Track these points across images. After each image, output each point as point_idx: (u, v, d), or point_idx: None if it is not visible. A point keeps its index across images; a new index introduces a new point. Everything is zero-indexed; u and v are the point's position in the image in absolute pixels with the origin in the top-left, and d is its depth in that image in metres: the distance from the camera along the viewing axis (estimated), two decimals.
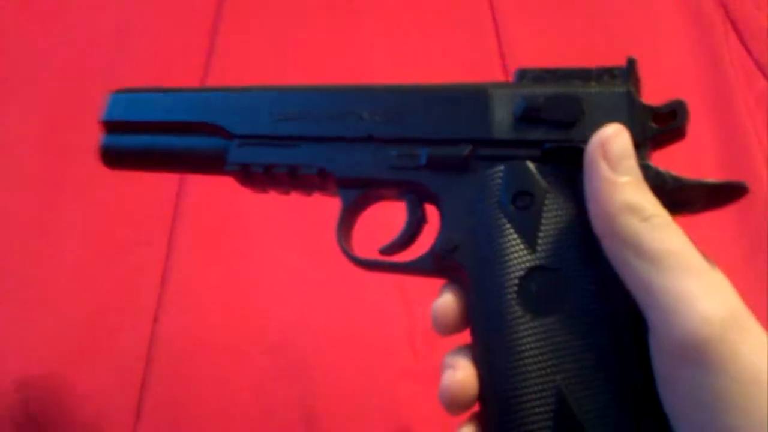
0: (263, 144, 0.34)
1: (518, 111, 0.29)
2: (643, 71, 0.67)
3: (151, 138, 0.37)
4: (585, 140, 0.27)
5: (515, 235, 0.28)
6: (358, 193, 0.33)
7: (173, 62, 0.62)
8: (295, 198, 0.55)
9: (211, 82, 0.61)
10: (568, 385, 0.25)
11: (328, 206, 0.54)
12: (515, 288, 0.27)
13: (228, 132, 0.35)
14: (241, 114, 0.35)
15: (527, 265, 0.27)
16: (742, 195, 0.27)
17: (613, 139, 0.26)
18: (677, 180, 0.27)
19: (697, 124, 0.63)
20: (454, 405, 0.27)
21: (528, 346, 0.26)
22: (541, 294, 0.26)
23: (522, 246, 0.27)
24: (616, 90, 0.29)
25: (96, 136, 0.57)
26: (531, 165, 0.29)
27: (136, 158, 0.38)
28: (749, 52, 0.65)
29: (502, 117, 0.30)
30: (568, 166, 0.28)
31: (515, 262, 0.27)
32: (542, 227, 0.28)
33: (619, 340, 0.25)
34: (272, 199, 0.56)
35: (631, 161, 0.25)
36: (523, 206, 0.28)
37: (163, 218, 0.53)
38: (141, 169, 0.38)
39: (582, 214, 0.27)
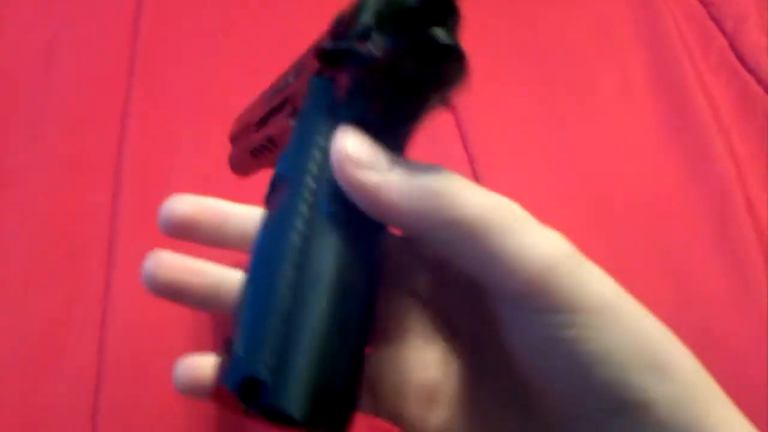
0: None
1: None
2: (572, 5, 0.66)
3: None
4: None
5: None
6: None
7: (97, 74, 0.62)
8: (240, 189, 0.55)
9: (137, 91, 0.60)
10: None
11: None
12: None
13: None
14: None
15: None
16: None
17: (352, 146, 0.22)
18: None
19: (628, 49, 0.63)
20: None
21: None
22: None
23: None
24: None
25: (25, 158, 0.57)
26: None
27: None
28: None
29: None
30: None
31: None
32: None
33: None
34: (215, 189, 0.56)
35: (378, 155, 0.22)
36: None
37: (99, 221, 0.52)
38: None
39: None
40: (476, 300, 0.25)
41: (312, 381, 0.20)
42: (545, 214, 0.30)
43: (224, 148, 0.57)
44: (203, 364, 0.26)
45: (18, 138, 0.57)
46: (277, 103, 0.33)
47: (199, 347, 0.48)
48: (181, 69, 0.61)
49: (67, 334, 0.48)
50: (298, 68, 0.31)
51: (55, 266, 0.51)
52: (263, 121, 0.36)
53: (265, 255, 0.23)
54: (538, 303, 0.20)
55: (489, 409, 0.26)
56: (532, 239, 0.21)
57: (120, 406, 0.45)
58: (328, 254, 0.22)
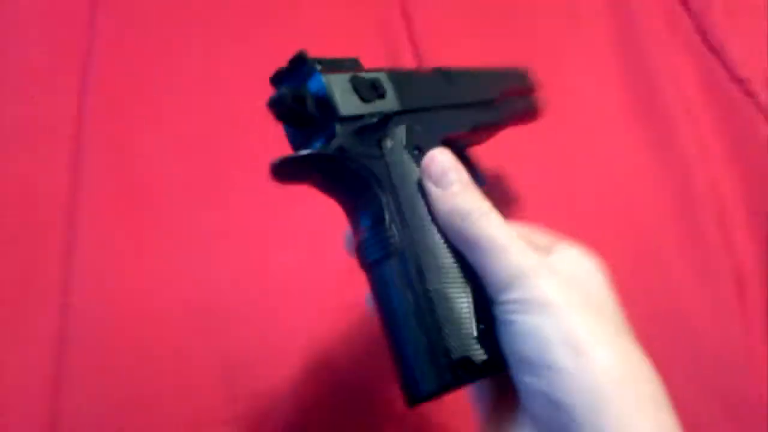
0: None
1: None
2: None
3: None
4: None
5: None
6: None
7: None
8: (205, 155, 0.54)
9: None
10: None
11: (238, 159, 0.53)
12: None
13: None
14: None
15: None
16: None
17: (432, 162, 0.32)
18: None
19: (595, 28, 0.64)
20: None
21: None
22: None
23: None
24: None
25: None
26: None
27: None
28: None
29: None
30: None
31: None
32: None
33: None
34: (180, 158, 0.54)
35: (451, 174, 0.32)
36: None
37: (59, 188, 0.50)
38: None
39: None
40: None
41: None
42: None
43: (193, 114, 0.56)
44: None
45: None
46: None
47: (163, 313, 0.47)
48: (145, 30, 0.59)
49: (25, 303, 0.46)
50: None
51: (12, 233, 0.49)
52: None
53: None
54: (511, 294, 0.29)
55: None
56: (512, 257, 0.30)
57: (83, 369, 0.44)
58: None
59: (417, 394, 0.30)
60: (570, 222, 0.52)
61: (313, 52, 0.32)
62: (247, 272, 0.49)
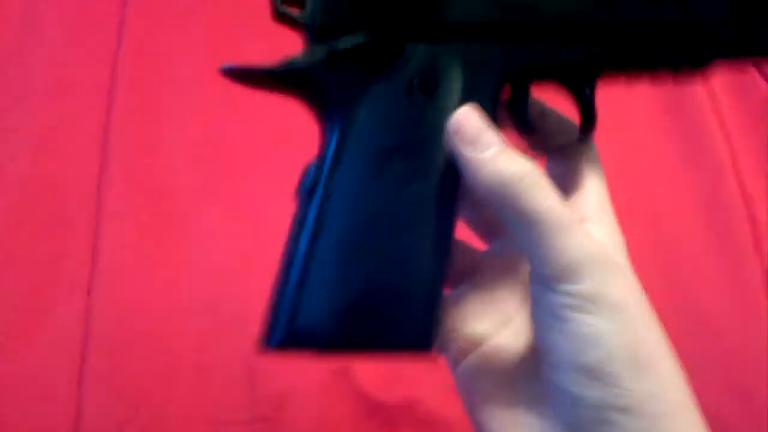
0: None
1: None
2: None
3: None
4: None
5: None
6: None
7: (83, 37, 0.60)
8: (226, 156, 0.55)
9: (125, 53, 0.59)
10: None
11: (257, 164, 0.54)
12: None
13: None
14: None
15: None
16: None
17: (462, 123, 0.27)
18: None
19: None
20: None
21: None
22: None
23: None
24: None
25: (9, 121, 0.56)
26: None
27: None
28: None
29: None
30: None
31: None
32: None
33: None
34: (202, 158, 0.55)
35: (487, 134, 0.26)
36: None
37: (86, 186, 0.51)
38: None
39: None
40: None
41: None
42: None
43: (215, 114, 0.56)
44: None
45: (1, 100, 0.56)
46: None
47: (184, 313, 0.47)
48: (172, 31, 0.59)
49: (52, 301, 0.47)
50: None
51: (40, 231, 0.50)
52: None
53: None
54: (576, 284, 0.25)
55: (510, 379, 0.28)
56: (577, 240, 0.25)
57: (106, 367, 0.45)
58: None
59: (265, 341, 0.28)
60: None
61: None
62: (268, 274, 0.49)
